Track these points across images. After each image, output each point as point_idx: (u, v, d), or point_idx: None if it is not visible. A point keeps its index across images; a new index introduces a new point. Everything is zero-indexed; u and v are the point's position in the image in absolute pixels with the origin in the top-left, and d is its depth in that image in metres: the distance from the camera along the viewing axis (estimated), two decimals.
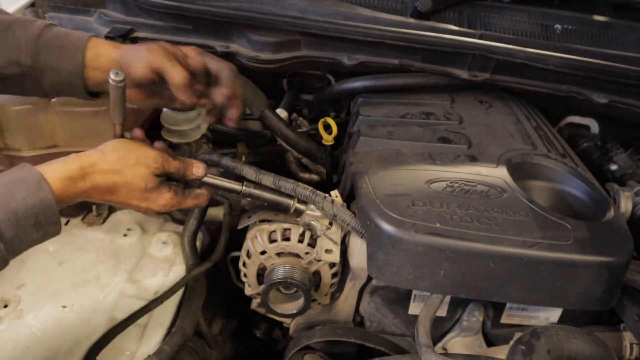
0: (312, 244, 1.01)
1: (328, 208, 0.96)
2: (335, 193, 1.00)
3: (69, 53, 0.95)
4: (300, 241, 1.02)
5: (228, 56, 1.23)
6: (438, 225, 0.84)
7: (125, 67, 0.94)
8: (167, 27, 1.26)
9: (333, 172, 1.19)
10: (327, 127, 1.14)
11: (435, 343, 1.04)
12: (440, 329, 1.05)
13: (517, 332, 0.85)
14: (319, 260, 1.02)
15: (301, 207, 0.99)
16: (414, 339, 0.84)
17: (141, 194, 0.88)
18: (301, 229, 1.02)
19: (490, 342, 1.04)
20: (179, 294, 1.11)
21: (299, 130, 1.31)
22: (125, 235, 1.19)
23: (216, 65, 1.01)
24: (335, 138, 1.15)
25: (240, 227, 1.07)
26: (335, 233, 0.99)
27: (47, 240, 0.79)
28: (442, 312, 1.02)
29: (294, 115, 1.40)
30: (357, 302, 1.08)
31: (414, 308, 1.03)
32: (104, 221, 1.23)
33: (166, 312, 1.09)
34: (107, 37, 1.21)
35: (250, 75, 1.24)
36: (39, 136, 1.13)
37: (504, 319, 1.00)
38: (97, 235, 1.19)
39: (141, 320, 1.07)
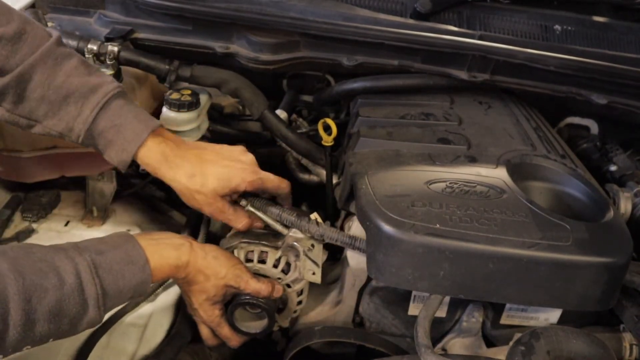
0: (286, 271, 1.04)
1: (314, 230, 0.99)
2: (314, 215, 1.02)
3: (118, 151, 0.93)
4: (275, 266, 1.04)
5: (228, 57, 1.23)
6: (437, 226, 0.84)
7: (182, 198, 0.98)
8: (167, 28, 1.26)
9: (333, 173, 1.19)
10: (327, 128, 1.14)
11: (434, 344, 1.04)
12: (439, 330, 1.05)
13: (517, 332, 0.85)
14: (289, 287, 1.05)
15: (284, 230, 1.02)
16: (414, 340, 0.84)
17: (203, 299, 0.98)
18: (278, 254, 1.04)
19: (489, 343, 1.04)
20: (178, 295, 1.11)
21: (298, 131, 1.31)
22: None
23: (273, 186, 1.03)
24: (334, 139, 1.15)
25: (223, 247, 1.07)
26: (317, 255, 1.02)
27: None
28: (442, 313, 1.02)
29: (294, 116, 1.40)
30: (356, 302, 1.08)
31: (413, 309, 1.03)
32: (103, 222, 1.23)
33: (166, 313, 1.09)
34: (107, 38, 1.21)
35: (249, 76, 1.24)
36: (38, 137, 1.13)
37: (504, 320, 1.00)
38: (96, 235, 1.18)
39: (141, 321, 1.07)
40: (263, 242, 1.04)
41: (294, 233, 1.01)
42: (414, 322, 0.86)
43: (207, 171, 0.95)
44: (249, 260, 1.04)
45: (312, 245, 1.01)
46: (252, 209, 1.01)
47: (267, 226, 1.04)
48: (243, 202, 1.02)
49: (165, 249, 0.90)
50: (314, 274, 1.03)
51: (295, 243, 1.01)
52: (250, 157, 1.03)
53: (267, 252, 1.04)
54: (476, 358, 0.97)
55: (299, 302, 1.09)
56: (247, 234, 1.06)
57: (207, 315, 1.00)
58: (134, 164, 0.96)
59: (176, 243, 0.93)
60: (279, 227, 1.02)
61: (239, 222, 1.01)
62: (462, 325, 1.03)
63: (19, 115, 0.92)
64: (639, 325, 0.93)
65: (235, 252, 1.04)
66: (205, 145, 1.03)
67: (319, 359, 1.16)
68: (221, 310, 1.01)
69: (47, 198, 1.24)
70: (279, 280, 1.04)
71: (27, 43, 0.90)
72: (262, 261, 1.04)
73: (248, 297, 0.99)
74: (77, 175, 1.22)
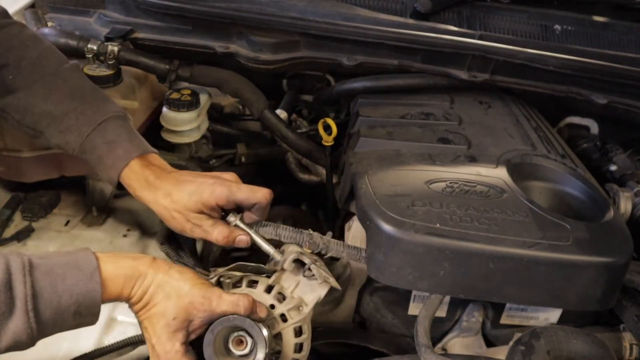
0: (280, 299, 0.87)
1: (319, 241, 0.92)
2: (310, 232, 0.94)
3: (106, 168, 0.96)
4: (267, 292, 0.88)
5: (228, 57, 1.23)
6: (438, 225, 0.84)
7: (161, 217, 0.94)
8: (166, 28, 1.26)
9: (333, 173, 1.19)
10: (327, 128, 1.14)
11: (434, 343, 1.04)
12: (439, 330, 1.05)
13: (517, 332, 0.86)
14: (285, 320, 0.86)
15: (276, 255, 0.90)
16: (414, 340, 0.84)
17: (162, 325, 0.79)
18: (270, 281, 0.88)
19: (489, 343, 1.04)
20: None
21: (298, 131, 1.32)
22: (125, 235, 1.20)
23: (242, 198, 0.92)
24: (335, 139, 1.15)
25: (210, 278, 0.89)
26: (325, 268, 0.92)
27: (79, 328, 0.76)
28: (442, 313, 1.02)
29: (294, 116, 1.40)
30: (356, 302, 1.08)
31: (413, 308, 1.03)
32: (103, 221, 1.23)
33: None
34: (106, 38, 1.21)
35: (249, 76, 1.25)
36: None
37: (504, 320, 1.00)
38: (96, 235, 1.19)
39: None
40: (259, 267, 0.91)
41: (294, 248, 0.91)
42: (414, 321, 0.86)
43: (181, 188, 0.92)
44: (236, 287, 0.89)
45: (315, 260, 0.90)
46: (240, 225, 0.91)
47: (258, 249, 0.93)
48: (231, 219, 0.92)
49: (122, 259, 0.79)
50: (330, 279, 0.90)
51: (301, 256, 0.88)
52: (232, 175, 0.95)
53: (257, 282, 0.89)
54: (476, 358, 0.97)
55: (299, 348, 0.87)
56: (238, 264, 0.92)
57: (165, 350, 0.78)
58: (120, 184, 0.95)
59: (136, 255, 0.82)
60: (270, 249, 0.90)
61: (217, 234, 0.91)
62: (462, 325, 1.03)
63: (26, 126, 0.99)
64: (639, 325, 0.93)
65: (222, 279, 0.89)
66: (189, 171, 0.99)
67: (319, 358, 1.16)
68: (183, 345, 0.79)
69: (47, 198, 1.24)
70: (273, 309, 0.86)
71: (42, 65, 0.99)
72: (251, 287, 0.88)
73: (230, 317, 0.80)
74: (77, 175, 1.22)
